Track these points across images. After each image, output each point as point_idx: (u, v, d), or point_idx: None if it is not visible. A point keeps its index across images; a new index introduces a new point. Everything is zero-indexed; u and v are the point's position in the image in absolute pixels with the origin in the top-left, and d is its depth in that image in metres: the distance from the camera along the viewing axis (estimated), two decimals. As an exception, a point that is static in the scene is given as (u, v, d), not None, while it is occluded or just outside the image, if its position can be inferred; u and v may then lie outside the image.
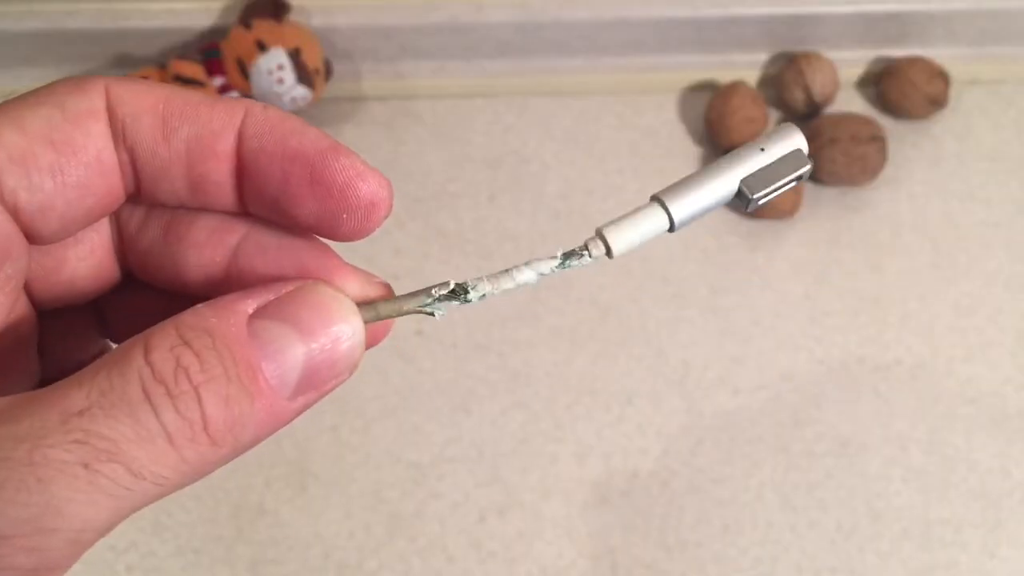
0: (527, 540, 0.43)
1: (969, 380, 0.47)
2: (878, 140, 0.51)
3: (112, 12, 0.52)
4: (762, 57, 0.56)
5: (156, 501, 0.14)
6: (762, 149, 0.19)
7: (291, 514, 0.43)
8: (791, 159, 0.19)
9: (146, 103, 0.16)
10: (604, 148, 0.54)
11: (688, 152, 0.54)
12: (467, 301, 0.18)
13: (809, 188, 0.52)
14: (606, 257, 0.19)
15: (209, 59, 0.49)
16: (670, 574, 0.42)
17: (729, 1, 0.53)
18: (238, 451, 0.15)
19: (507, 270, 0.18)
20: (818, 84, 0.53)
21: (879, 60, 0.56)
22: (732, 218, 0.52)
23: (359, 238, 0.17)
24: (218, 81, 0.49)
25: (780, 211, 0.50)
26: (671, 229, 0.18)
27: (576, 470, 0.44)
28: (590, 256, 0.19)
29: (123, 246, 0.17)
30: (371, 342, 0.16)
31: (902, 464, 0.45)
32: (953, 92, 0.54)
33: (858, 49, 0.56)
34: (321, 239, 0.17)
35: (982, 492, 0.44)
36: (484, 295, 0.18)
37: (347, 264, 0.17)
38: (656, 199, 0.18)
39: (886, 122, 0.55)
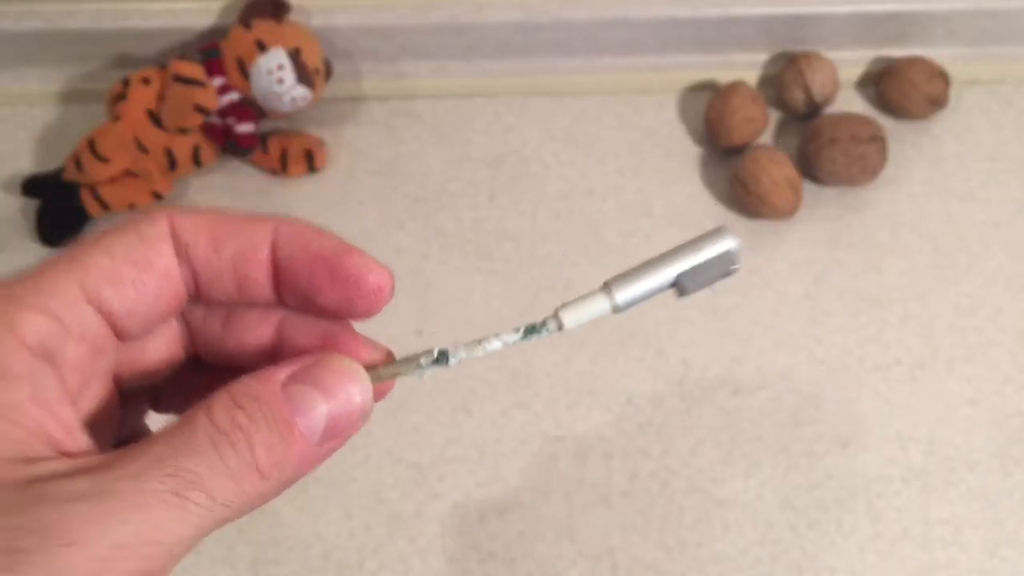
0: (527, 540, 0.43)
1: (969, 380, 0.47)
2: (878, 140, 0.51)
3: (112, 12, 0.52)
4: (762, 57, 0.56)
5: (227, 523, 0.19)
6: (699, 249, 0.23)
7: (291, 514, 0.44)
8: (723, 259, 0.23)
9: (201, 227, 0.21)
10: (604, 148, 0.54)
11: (688, 152, 0.54)
12: (448, 365, 0.22)
13: (809, 188, 0.53)
14: (559, 331, 0.24)
15: (209, 59, 0.49)
16: (670, 574, 0.42)
17: (729, 1, 0.53)
18: (284, 484, 0.20)
19: (479, 340, 0.23)
20: (818, 84, 0.53)
21: (879, 60, 0.56)
22: (731, 218, 0.52)
23: (369, 317, 0.22)
24: (218, 81, 0.49)
25: (780, 211, 0.50)
26: (616, 311, 0.23)
27: (576, 470, 0.44)
28: (548, 330, 0.24)
29: (190, 336, 0.22)
30: (377, 397, 0.21)
31: (902, 464, 0.45)
32: (953, 92, 0.55)
33: (858, 49, 0.56)
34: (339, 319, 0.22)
35: (982, 492, 0.44)
36: (460, 360, 0.22)
37: (359, 335, 0.22)
38: (606, 285, 0.23)
39: (886, 122, 0.55)
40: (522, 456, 0.45)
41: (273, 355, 0.22)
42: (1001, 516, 0.43)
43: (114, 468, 0.18)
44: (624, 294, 0.23)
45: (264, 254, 0.21)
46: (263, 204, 0.52)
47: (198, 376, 0.23)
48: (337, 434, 0.20)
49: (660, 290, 0.23)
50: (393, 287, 0.22)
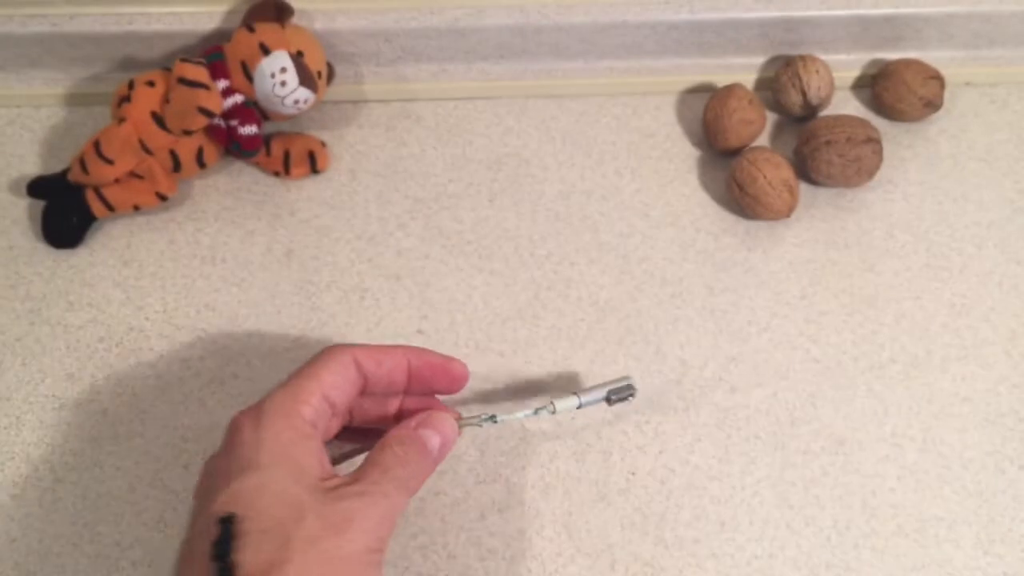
0: (527, 537, 0.43)
1: (963, 379, 0.48)
2: (874, 141, 0.51)
3: (116, 16, 0.53)
4: (759, 60, 0.57)
5: (400, 513, 0.35)
6: (610, 388, 0.43)
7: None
8: (627, 387, 0.43)
9: (369, 354, 0.38)
10: (603, 149, 0.55)
11: (686, 153, 0.55)
12: (496, 423, 0.40)
13: (805, 189, 0.53)
14: (552, 415, 0.42)
15: (213, 62, 0.49)
16: (668, 570, 0.42)
17: (726, 5, 0.54)
18: (424, 480, 0.37)
19: (513, 414, 0.41)
20: (814, 86, 0.53)
21: (874, 62, 0.57)
22: (729, 219, 0.52)
23: (454, 393, 0.41)
24: (222, 84, 0.49)
25: (776, 212, 0.50)
26: (579, 406, 0.42)
27: (575, 468, 0.45)
28: (548, 413, 0.41)
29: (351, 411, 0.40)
30: (455, 436, 0.39)
31: (897, 462, 0.45)
32: (947, 94, 0.55)
33: (854, 52, 0.56)
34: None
35: (976, 490, 0.45)
36: (504, 421, 0.41)
37: (442, 404, 0.41)
38: (574, 393, 0.42)
39: (881, 124, 0.55)
40: (522, 454, 0.45)
41: (394, 418, 0.40)
42: (995, 513, 0.44)
43: (363, 480, 0.34)
44: (586, 398, 0.42)
45: (404, 366, 0.39)
46: (266, 205, 0.53)
47: (349, 432, 0.41)
48: (444, 452, 0.38)
49: (599, 401, 0.43)
50: (468, 377, 0.41)
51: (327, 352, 0.37)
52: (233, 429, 0.34)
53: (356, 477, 0.34)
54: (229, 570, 0.30)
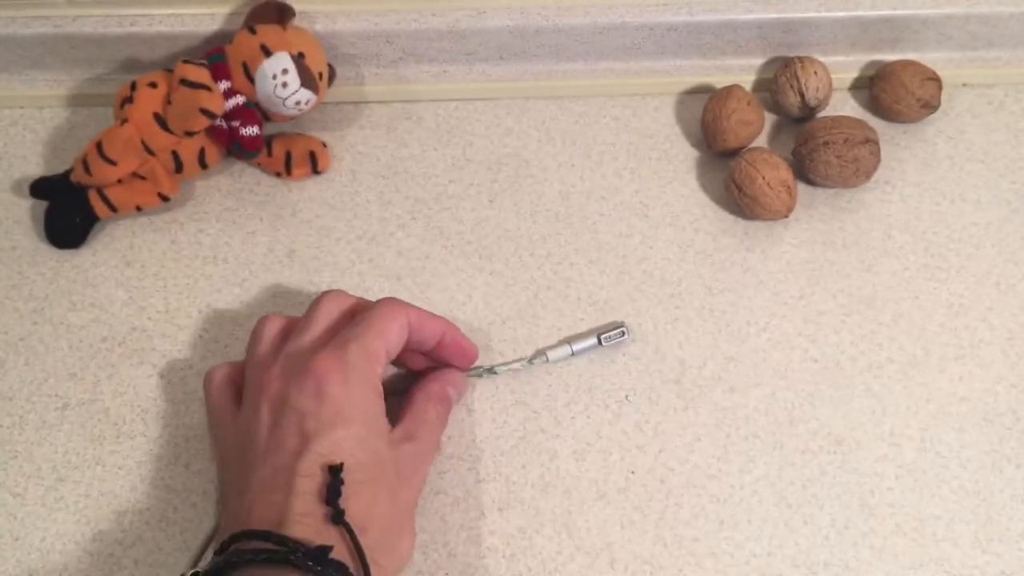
0: (527, 535, 0.43)
1: (961, 378, 0.48)
2: (871, 142, 0.52)
3: (119, 17, 0.53)
4: (757, 61, 0.57)
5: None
6: (600, 331, 0.48)
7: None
8: (617, 328, 0.48)
9: (417, 320, 0.42)
10: (602, 150, 0.55)
11: (685, 154, 0.55)
12: (494, 375, 0.47)
13: (803, 190, 0.53)
14: (547, 363, 0.47)
15: (214, 63, 0.49)
16: (667, 569, 0.43)
17: (724, 7, 0.54)
18: (446, 422, 0.45)
19: (516, 359, 0.47)
20: (812, 87, 0.53)
21: (872, 64, 0.57)
22: (728, 219, 0.53)
23: (466, 368, 0.46)
24: (223, 85, 0.49)
25: (775, 212, 0.51)
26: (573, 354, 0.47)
27: (575, 467, 0.45)
28: (542, 362, 0.47)
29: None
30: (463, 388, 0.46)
31: (895, 461, 0.45)
32: (945, 95, 0.55)
33: (852, 53, 0.57)
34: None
35: (974, 489, 0.45)
36: (503, 371, 0.47)
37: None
38: (565, 341, 0.48)
39: (879, 124, 0.56)
40: (522, 453, 0.45)
41: (426, 367, 0.46)
42: (993, 512, 0.44)
43: (415, 437, 0.41)
44: (577, 346, 0.48)
45: (439, 337, 0.43)
46: (268, 205, 0.53)
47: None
48: (460, 397, 0.45)
49: (592, 346, 0.48)
50: (477, 357, 0.46)
51: (389, 309, 0.41)
52: (321, 376, 0.38)
53: (408, 432, 0.41)
54: (341, 514, 0.35)
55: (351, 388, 0.38)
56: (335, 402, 0.38)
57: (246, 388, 0.42)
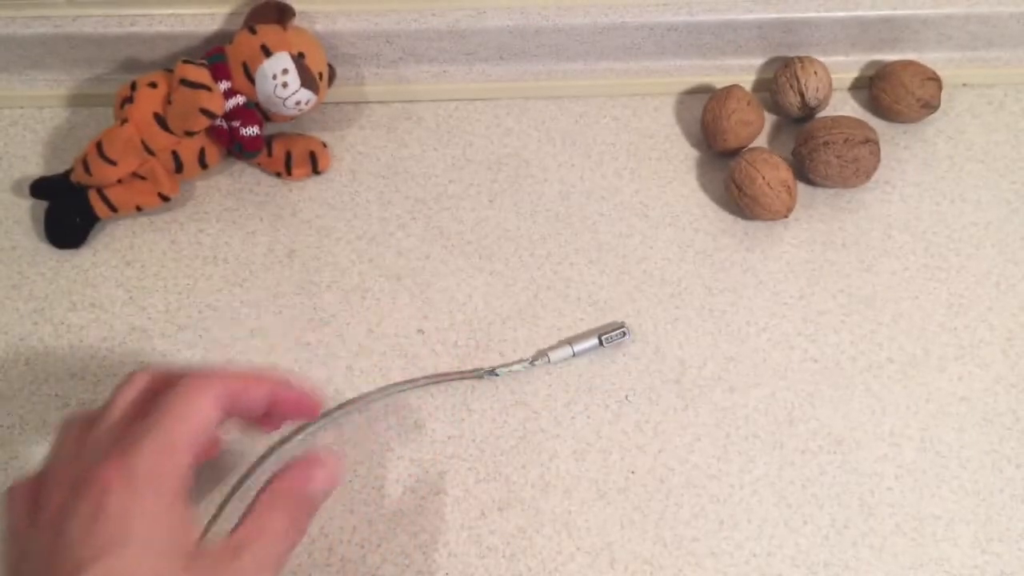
0: (527, 535, 0.43)
1: (960, 378, 0.48)
2: (871, 142, 0.52)
3: (119, 17, 0.53)
4: (757, 61, 0.57)
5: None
6: (601, 331, 0.48)
7: (295, 510, 0.44)
8: (618, 329, 0.48)
9: (227, 394, 0.34)
10: (602, 150, 0.55)
11: (684, 154, 0.55)
12: (496, 376, 0.46)
13: (803, 190, 0.53)
14: (548, 364, 0.47)
15: (215, 63, 0.49)
16: (667, 568, 0.43)
17: (724, 7, 0.54)
18: (305, 528, 0.34)
19: (515, 362, 0.47)
20: (812, 87, 0.53)
21: (872, 64, 0.57)
22: (728, 219, 0.53)
23: (313, 419, 0.44)
24: (224, 85, 0.49)
25: (775, 212, 0.51)
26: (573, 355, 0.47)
27: (575, 466, 0.45)
28: (544, 363, 0.47)
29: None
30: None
31: (894, 461, 0.45)
32: (945, 95, 0.55)
33: (852, 53, 0.57)
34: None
35: (973, 488, 0.45)
36: (503, 373, 0.46)
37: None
38: (567, 342, 0.47)
39: (879, 124, 0.56)
40: (522, 453, 0.45)
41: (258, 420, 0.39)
42: (992, 512, 0.44)
43: (241, 554, 0.32)
44: (578, 347, 0.47)
45: (266, 398, 0.36)
46: (268, 205, 0.53)
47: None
48: (331, 487, 0.36)
49: (593, 347, 0.48)
50: (321, 405, 0.41)
51: (191, 387, 0.34)
52: (103, 488, 0.30)
53: (238, 545, 0.32)
54: None
55: (137, 500, 0.31)
56: (112, 521, 0.30)
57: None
